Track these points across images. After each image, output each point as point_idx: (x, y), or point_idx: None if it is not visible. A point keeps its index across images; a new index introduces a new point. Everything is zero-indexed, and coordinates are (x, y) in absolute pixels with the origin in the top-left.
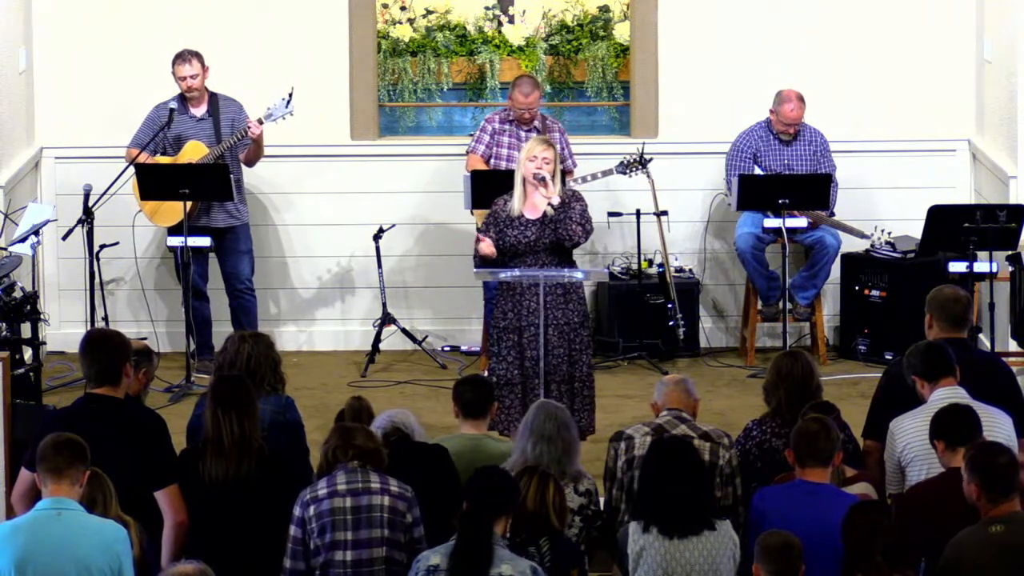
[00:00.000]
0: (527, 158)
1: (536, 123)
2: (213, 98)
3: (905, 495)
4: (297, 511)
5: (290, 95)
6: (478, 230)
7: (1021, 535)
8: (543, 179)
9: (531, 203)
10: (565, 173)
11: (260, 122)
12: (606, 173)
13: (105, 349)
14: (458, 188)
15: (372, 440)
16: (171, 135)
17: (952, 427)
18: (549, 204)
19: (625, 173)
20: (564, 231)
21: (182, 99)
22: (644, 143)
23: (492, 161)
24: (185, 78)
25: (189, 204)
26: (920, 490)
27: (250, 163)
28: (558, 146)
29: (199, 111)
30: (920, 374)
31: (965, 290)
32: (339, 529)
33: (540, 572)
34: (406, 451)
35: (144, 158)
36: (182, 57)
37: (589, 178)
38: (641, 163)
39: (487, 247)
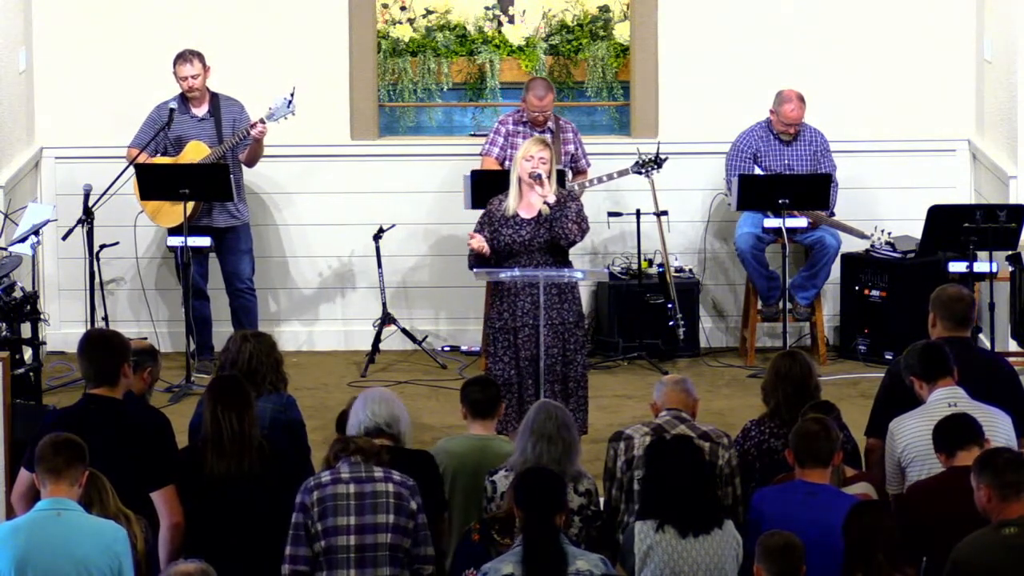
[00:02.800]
0: (524, 157)
1: (549, 124)
2: (214, 98)
3: (906, 493)
4: (299, 498)
5: (292, 94)
6: (476, 231)
7: None
8: (539, 177)
9: (526, 202)
10: (579, 172)
11: (262, 121)
12: (622, 173)
13: (103, 349)
14: (458, 188)
15: (372, 443)
16: (172, 135)
17: (949, 437)
18: (545, 203)
19: (641, 173)
20: (560, 230)
21: (183, 99)
22: (660, 143)
23: (507, 163)
24: (186, 78)
25: (190, 205)
26: (921, 488)
27: (250, 163)
28: (571, 146)
29: (200, 111)
30: (918, 375)
31: (968, 289)
32: (341, 514)
33: (608, 562)
34: (391, 458)
35: (144, 158)
36: (183, 57)
37: (605, 178)
38: (657, 163)
39: (478, 243)
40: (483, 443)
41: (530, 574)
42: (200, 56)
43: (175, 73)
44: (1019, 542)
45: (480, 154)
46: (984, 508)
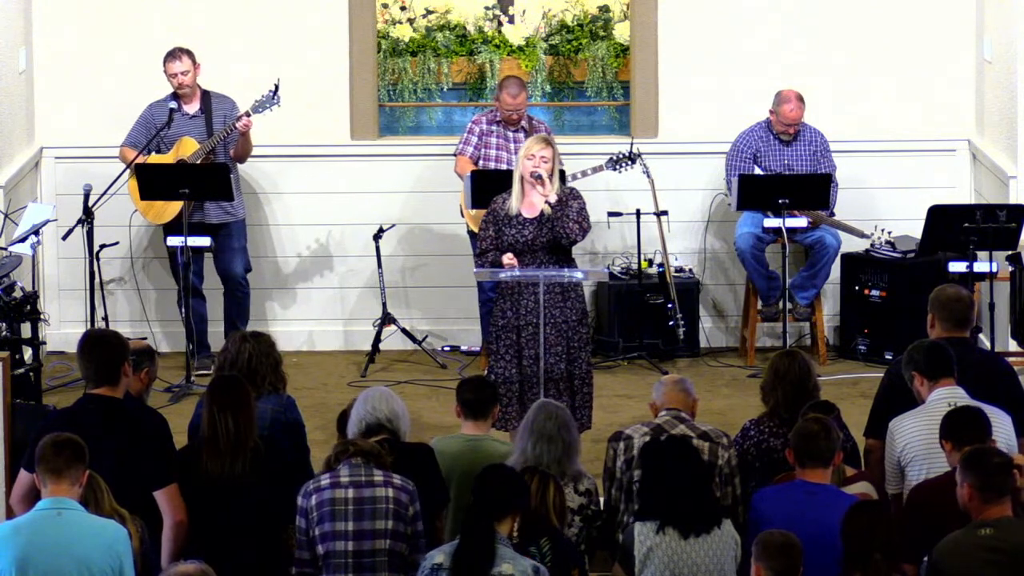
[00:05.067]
0: (525, 156)
1: (523, 123)
2: (206, 96)
3: (913, 492)
4: (300, 501)
5: (276, 86)
6: (476, 234)
7: (1010, 539)
8: (540, 177)
9: (529, 201)
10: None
11: (248, 114)
12: (596, 169)
13: (103, 349)
14: (458, 188)
15: (374, 445)
16: (164, 133)
17: (963, 428)
18: (546, 202)
19: (615, 169)
20: (561, 228)
21: (175, 97)
22: (633, 141)
23: (481, 163)
24: (176, 75)
25: (178, 206)
26: (927, 488)
27: (240, 159)
28: None
29: (191, 108)
30: (922, 371)
31: (967, 290)
32: (339, 519)
33: (543, 571)
34: (392, 451)
35: (141, 159)
36: (173, 54)
37: (579, 175)
38: (631, 159)
39: (508, 260)
40: (475, 443)
41: (455, 566)
42: (190, 53)
43: (165, 71)
44: (994, 544)
45: (454, 154)
46: (965, 505)
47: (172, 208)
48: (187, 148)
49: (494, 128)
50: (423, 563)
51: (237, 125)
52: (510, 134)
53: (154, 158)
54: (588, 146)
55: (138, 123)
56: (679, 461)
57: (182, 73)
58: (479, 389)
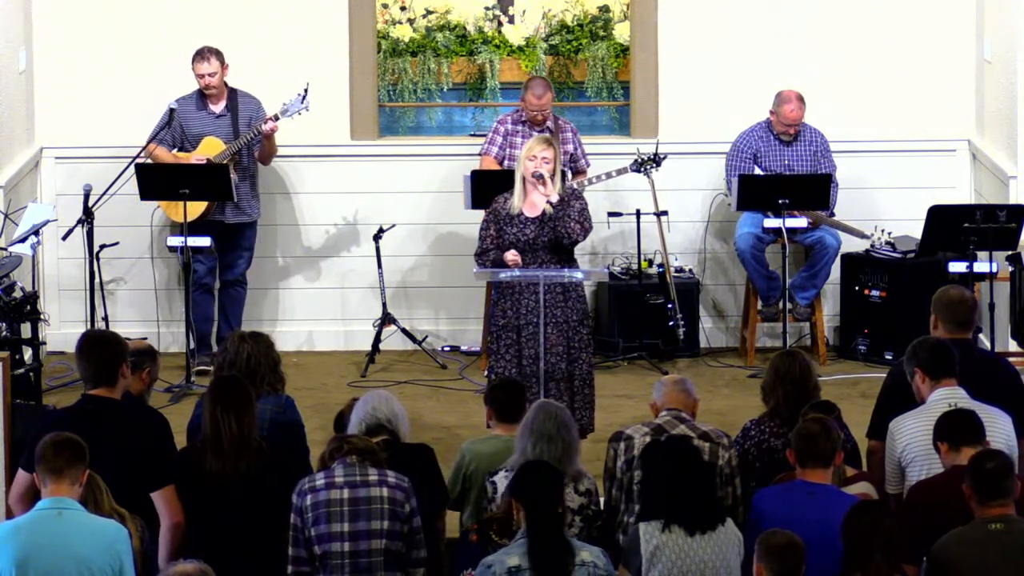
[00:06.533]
0: (527, 157)
1: (548, 123)
2: (232, 95)
3: (910, 492)
4: (295, 499)
5: (305, 91)
6: (482, 229)
7: (1019, 532)
8: (541, 177)
9: (530, 201)
10: (578, 172)
11: (276, 118)
12: (621, 172)
13: (101, 350)
14: (458, 188)
15: (368, 442)
16: (190, 132)
17: (955, 430)
18: (548, 202)
19: (640, 171)
20: (562, 228)
21: (201, 95)
22: (659, 142)
23: (506, 163)
24: (203, 75)
25: (205, 204)
26: (925, 487)
27: (264, 161)
28: (570, 145)
29: (218, 108)
30: (924, 368)
31: (969, 291)
32: (335, 521)
33: (606, 555)
34: (391, 452)
35: (163, 151)
36: (201, 55)
37: (604, 176)
38: (656, 161)
39: (512, 256)
40: (510, 443)
41: (537, 565)
42: (218, 53)
43: (193, 70)
44: (1006, 538)
45: (479, 154)
46: (969, 502)
47: (196, 207)
48: (212, 148)
49: (519, 128)
50: (489, 569)
51: (262, 128)
52: (535, 134)
53: (179, 156)
54: (588, 146)
55: (162, 117)
56: (682, 460)
57: (209, 74)
58: (511, 392)
